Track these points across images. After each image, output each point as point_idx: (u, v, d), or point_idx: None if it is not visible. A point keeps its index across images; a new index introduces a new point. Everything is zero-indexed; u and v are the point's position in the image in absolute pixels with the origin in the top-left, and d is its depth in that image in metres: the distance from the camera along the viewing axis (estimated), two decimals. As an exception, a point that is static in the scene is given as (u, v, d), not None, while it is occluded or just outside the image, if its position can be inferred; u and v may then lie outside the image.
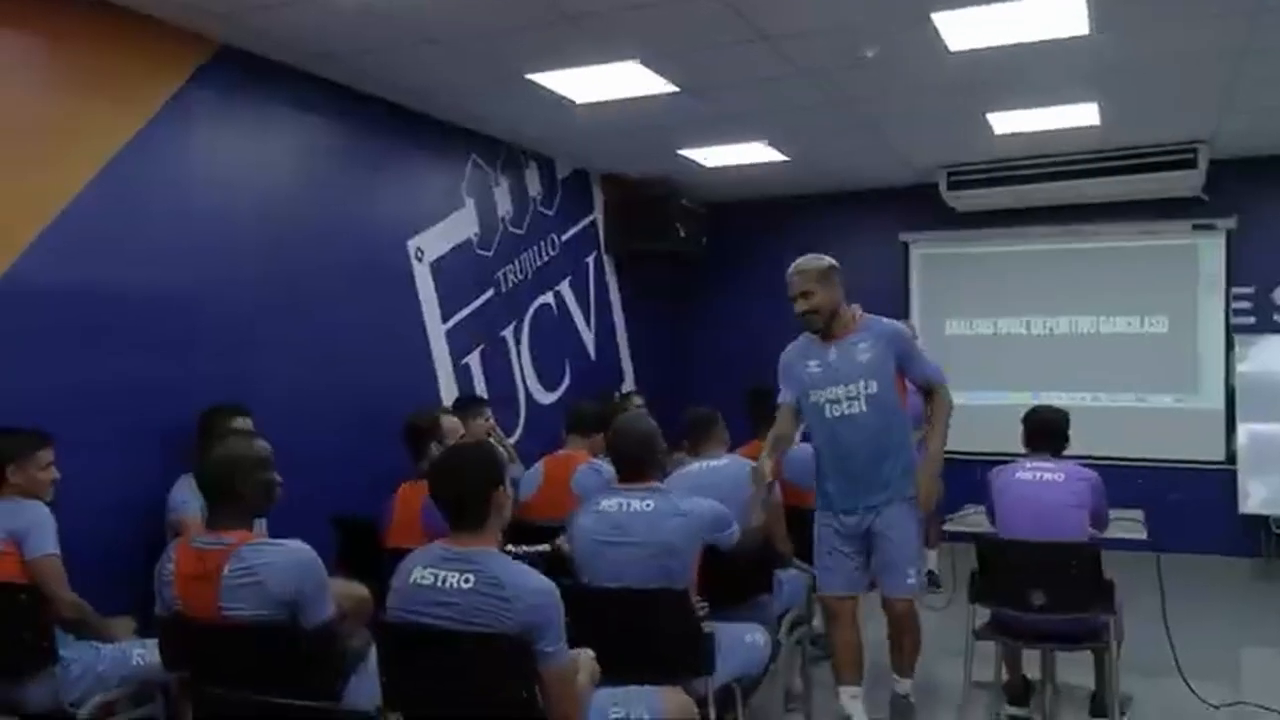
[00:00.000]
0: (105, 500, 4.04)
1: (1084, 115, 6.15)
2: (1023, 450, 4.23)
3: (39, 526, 3.31)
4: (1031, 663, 4.38)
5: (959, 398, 8.14)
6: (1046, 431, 4.18)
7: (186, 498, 3.85)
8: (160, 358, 4.38)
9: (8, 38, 3.86)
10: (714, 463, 4.10)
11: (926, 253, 8.47)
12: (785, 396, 4.03)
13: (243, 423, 4.19)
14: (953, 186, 7.60)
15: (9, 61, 3.86)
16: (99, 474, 3.99)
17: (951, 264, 8.42)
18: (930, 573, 6.58)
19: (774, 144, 6.85)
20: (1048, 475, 3.99)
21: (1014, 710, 4.32)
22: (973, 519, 4.73)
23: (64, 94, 4.05)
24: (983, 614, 4.04)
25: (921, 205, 8.07)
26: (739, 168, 7.39)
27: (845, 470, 3.87)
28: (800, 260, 3.93)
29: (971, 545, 4.03)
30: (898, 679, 4.06)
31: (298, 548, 2.75)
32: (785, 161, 7.26)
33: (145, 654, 3.33)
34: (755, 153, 7.02)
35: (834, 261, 3.93)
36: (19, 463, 3.40)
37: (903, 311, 8.32)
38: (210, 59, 4.63)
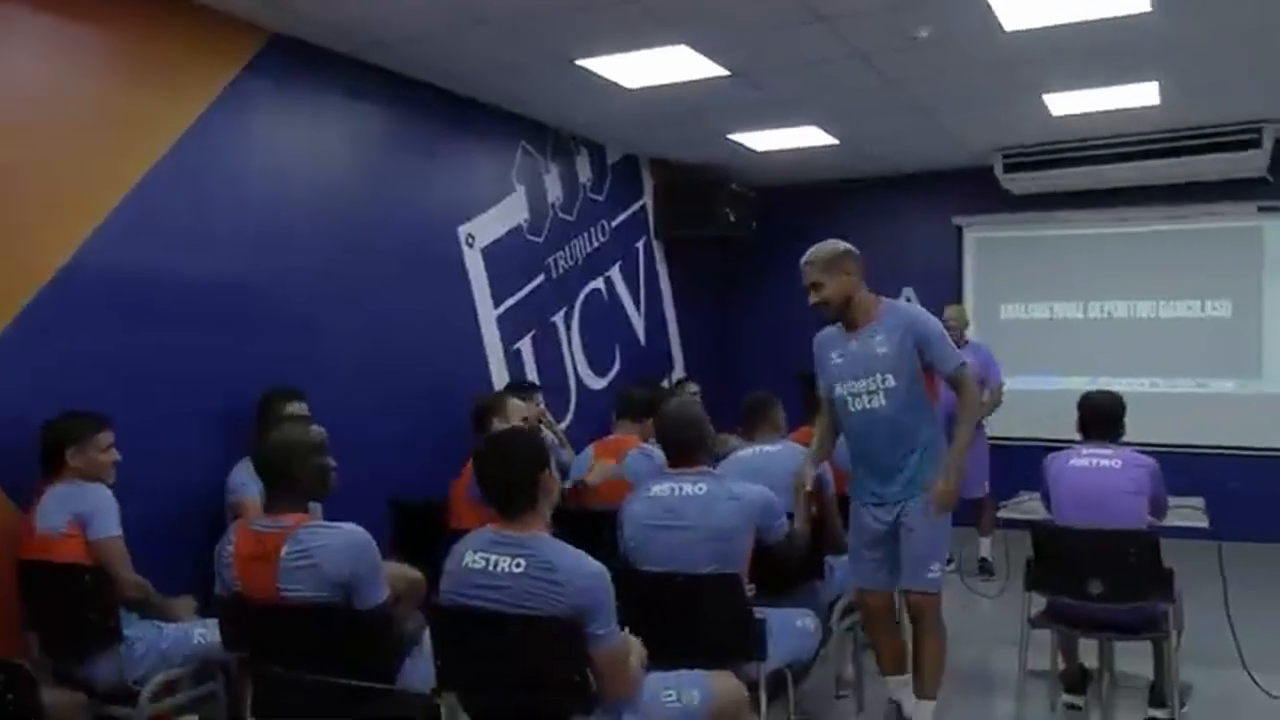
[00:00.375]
0: (167, 482, 4.12)
1: (1144, 95, 6.01)
2: (1078, 437, 4.16)
3: (102, 509, 3.39)
4: (1088, 651, 4.32)
5: (1014, 382, 8.07)
6: (1102, 417, 4.10)
7: (246, 480, 3.92)
8: (219, 342, 4.46)
9: (70, 30, 3.94)
10: (767, 448, 4.07)
11: (981, 236, 8.35)
12: (821, 387, 3.91)
13: (297, 407, 4.26)
14: (1008, 169, 7.47)
15: (72, 53, 3.94)
16: (161, 456, 4.08)
17: (1006, 247, 8.29)
18: (983, 560, 6.53)
19: (825, 127, 6.79)
20: (1104, 461, 3.92)
21: (1070, 699, 4.27)
22: (1027, 505, 4.66)
23: (124, 84, 4.12)
24: (1038, 602, 3.99)
25: (976, 188, 7.94)
26: (790, 151, 7.34)
27: (871, 462, 3.73)
28: (811, 249, 3.73)
29: (1026, 532, 3.98)
30: (916, 701, 3.74)
31: (352, 531, 2.79)
32: (836, 145, 7.20)
33: (206, 633, 3.40)
34: (806, 136, 6.96)
35: (848, 248, 3.71)
36: (79, 445, 3.47)
37: (956, 296, 8.23)
38: (264, 48, 4.69)
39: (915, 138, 7.12)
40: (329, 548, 2.74)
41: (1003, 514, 4.73)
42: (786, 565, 3.40)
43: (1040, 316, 8.13)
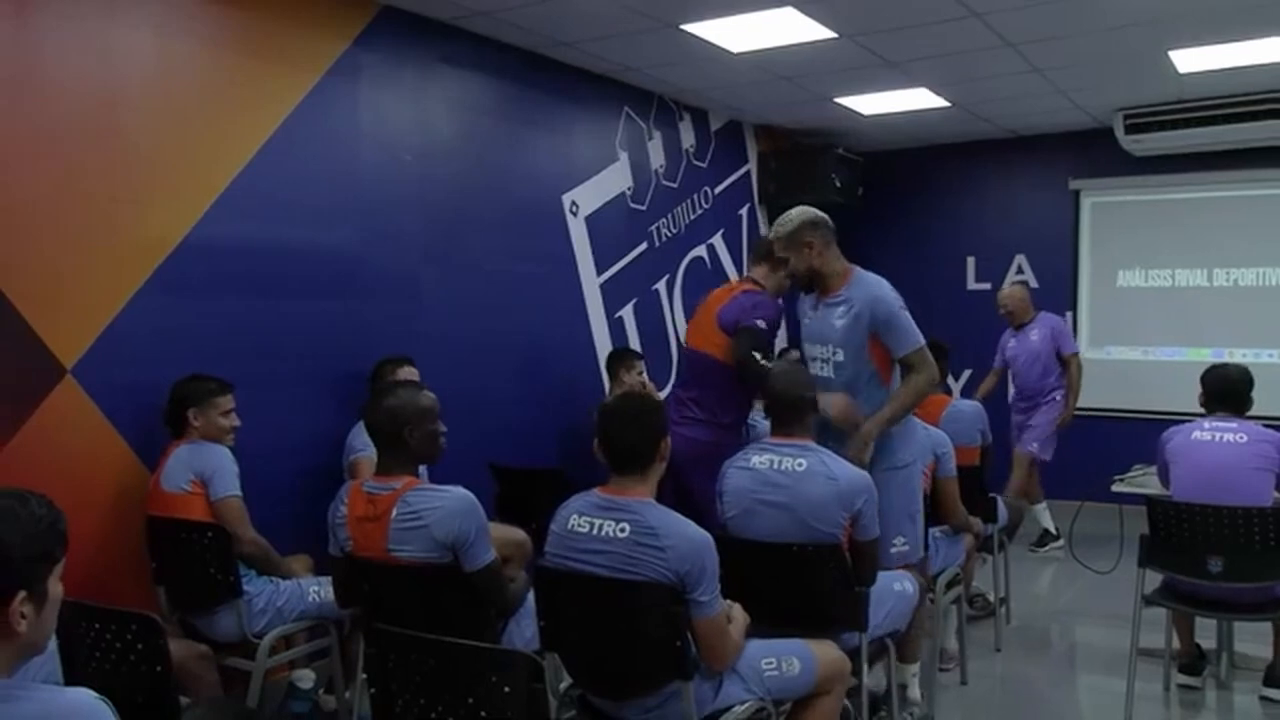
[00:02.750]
0: (285, 443, 4.26)
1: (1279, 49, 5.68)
2: (1199, 410, 4.00)
3: (221, 470, 3.53)
4: (1205, 631, 4.18)
5: (1130, 353, 7.77)
6: (1227, 391, 3.93)
7: (368, 441, 4.02)
8: (331, 308, 4.58)
9: (192, 8, 4.05)
10: None
11: (1098, 200, 8.02)
12: None
13: (408, 372, 4.35)
14: (1130, 130, 7.15)
15: (193, 30, 4.06)
16: (279, 418, 4.22)
17: (1126, 212, 7.94)
18: (1045, 532, 6.56)
19: (936, 90, 6.60)
20: (1229, 436, 3.77)
21: (1185, 679, 4.14)
22: (1142, 479, 4.52)
23: (242, 60, 4.23)
24: (1153, 579, 3.87)
25: (1094, 150, 7.65)
26: (899, 115, 7.16)
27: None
28: (777, 221, 3.73)
29: (1141, 507, 3.86)
30: (899, 666, 3.57)
31: (460, 495, 2.85)
32: (948, 107, 7.00)
33: (320, 591, 3.54)
34: (916, 99, 6.78)
35: (807, 219, 3.65)
36: (200, 407, 3.62)
37: (1071, 262, 7.97)
38: (373, 19, 4.76)
39: (1031, 99, 6.86)
40: (438, 510, 2.80)
41: (1117, 488, 4.59)
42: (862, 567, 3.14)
43: (1160, 284, 7.78)
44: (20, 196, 3.50)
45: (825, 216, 3.71)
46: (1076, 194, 8.03)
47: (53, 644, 1.75)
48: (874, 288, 3.60)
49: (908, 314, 3.57)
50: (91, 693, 1.45)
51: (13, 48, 3.49)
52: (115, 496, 3.72)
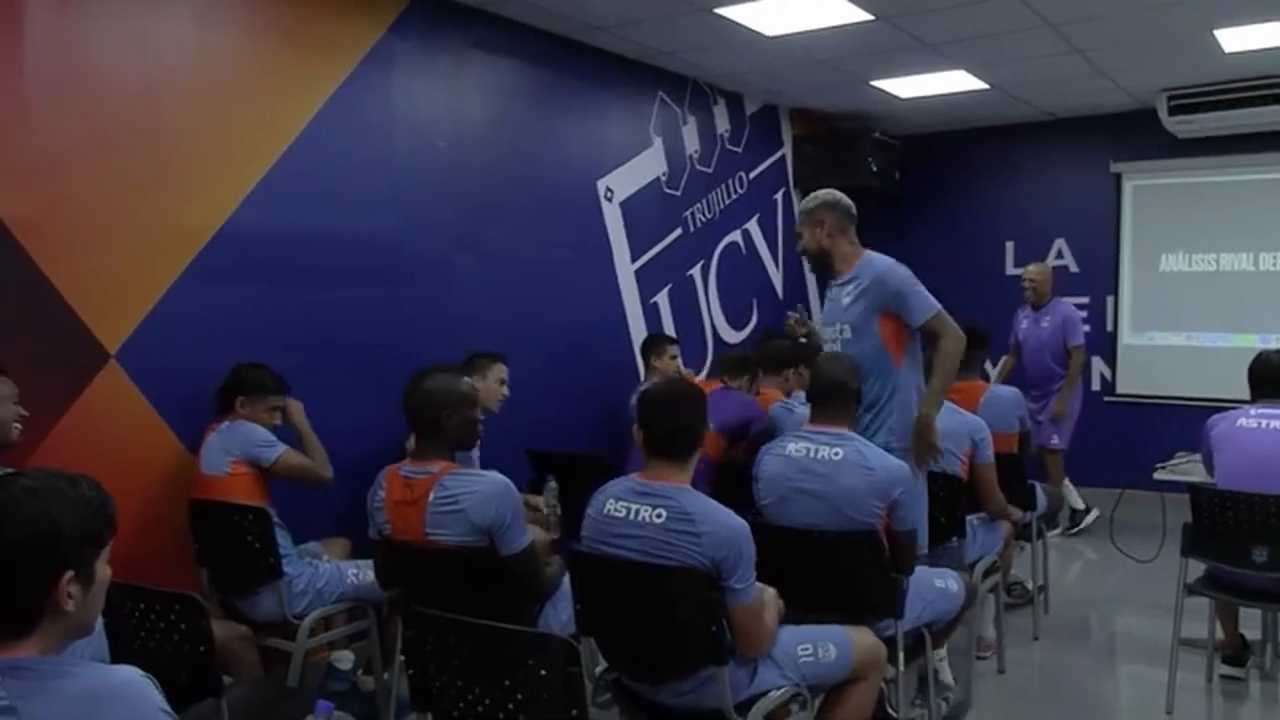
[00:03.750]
0: (321, 427, 4.23)
1: (1330, 27, 5.55)
2: (1244, 397, 3.93)
3: (257, 443, 3.60)
4: (1249, 621, 4.12)
5: (1174, 339, 7.64)
6: (1271, 377, 3.86)
7: None
8: (366, 296, 4.59)
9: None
10: None
11: (1140, 183, 7.88)
12: None
13: (498, 370, 4.38)
14: (1174, 111, 7.01)
15: (228, 19, 4.09)
16: (314, 403, 4.23)
17: (1169, 195, 7.79)
18: (1074, 511, 6.53)
19: (974, 71, 6.52)
20: (1275, 423, 3.70)
21: (1228, 670, 4.09)
22: (1185, 467, 4.46)
23: (278, 49, 4.26)
24: (1195, 568, 3.82)
25: (1136, 132, 7.51)
26: (936, 98, 7.07)
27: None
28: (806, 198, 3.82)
29: (1183, 495, 3.80)
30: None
31: (496, 480, 2.88)
32: (986, 90, 6.91)
33: (359, 573, 3.58)
34: (954, 81, 6.70)
35: (829, 200, 3.72)
36: (250, 398, 3.68)
37: (1113, 246, 7.84)
38: (407, 6, 4.77)
39: (1072, 80, 6.76)
40: (474, 495, 2.83)
41: (1159, 475, 4.53)
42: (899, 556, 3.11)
43: (1205, 269, 7.63)
44: (65, 187, 3.54)
45: (848, 202, 3.77)
46: (1118, 177, 7.89)
47: (100, 623, 1.78)
48: (882, 264, 3.67)
49: (920, 285, 3.61)
50: (137, 671, 1.48)
51: (57, 42, 3.54)
52: (159, 479, 3.77)
